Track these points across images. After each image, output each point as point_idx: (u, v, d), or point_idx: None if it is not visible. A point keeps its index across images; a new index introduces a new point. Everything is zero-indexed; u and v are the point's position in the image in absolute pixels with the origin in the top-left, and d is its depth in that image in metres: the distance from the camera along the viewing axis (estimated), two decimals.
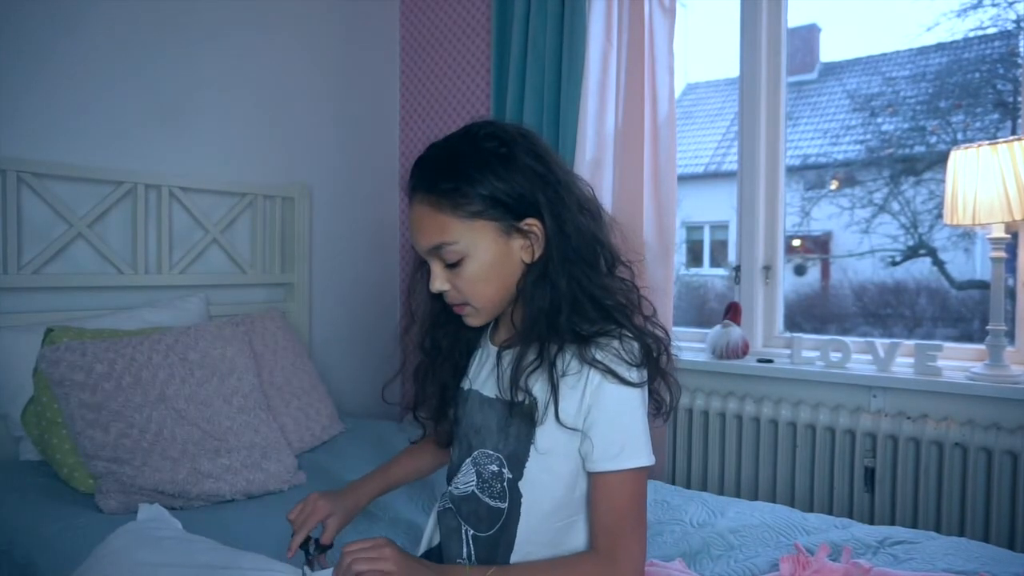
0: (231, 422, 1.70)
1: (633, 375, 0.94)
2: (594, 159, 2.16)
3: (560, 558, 0.97)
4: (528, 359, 0.96)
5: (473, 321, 1.02)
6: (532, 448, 0.97)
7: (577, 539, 1.00)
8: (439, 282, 0.98)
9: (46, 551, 1.35)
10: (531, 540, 0.98)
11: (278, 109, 2.47)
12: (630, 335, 0.96)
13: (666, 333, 1.01)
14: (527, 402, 0.96)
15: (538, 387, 0.96)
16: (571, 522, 0.99)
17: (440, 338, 1.09)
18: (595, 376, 0.94)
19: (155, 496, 1.53)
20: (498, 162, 0.95)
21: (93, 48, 2.00)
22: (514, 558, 0.98)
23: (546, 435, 0.96)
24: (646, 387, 0.97)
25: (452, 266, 0.97)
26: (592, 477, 0.95)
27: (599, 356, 0.94)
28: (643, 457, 0.94)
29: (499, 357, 1.02)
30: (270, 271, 2.43)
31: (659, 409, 1.04)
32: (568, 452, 0.96)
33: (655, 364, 0.98)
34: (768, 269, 2.20)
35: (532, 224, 0.96)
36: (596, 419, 0.94)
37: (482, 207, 0.94)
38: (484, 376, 1.06)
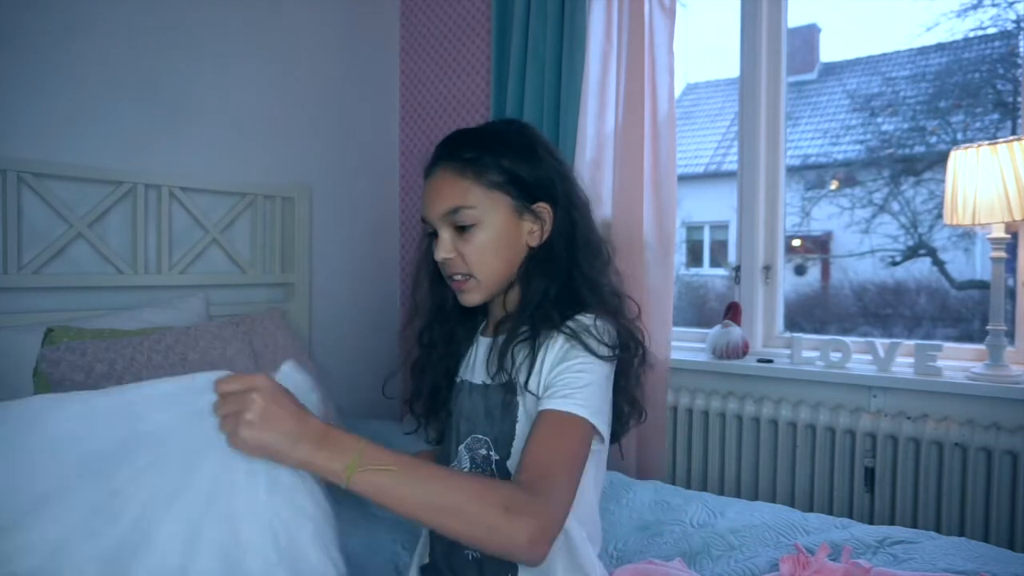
0: None
1: (602, 350, 0.95)
2: (594, 159, 2.16)
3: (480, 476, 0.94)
4: (518, 333, 0.99)
5: (472, 297, 1.02)
6: (516, 426, 0.98)
7: (575, 524, 0.97)
8: (445, 250, 0.99)
9: None
10: None
11: (278, 109, 2.47)
12: (611, 319, 0.99)
13: (643, 338, 1.04)
14: (513, 376, 0.97)
15: (523, 364, 0.98)
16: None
17: (436, 336, 1.11)
18: (562, 340, 0.96)
19: None
20: (520, 145, 1.03)
21: (93, 48, 2.00)
22: None
23: (525, 409, 0.97)
24: (613, 367, 0.97)
25: (463, 232, 0.98)
26: (538, 416, 0.91)
27: (570, 324, 0.97)
28: (592, 416, 0.90)
29: (493, 343, 1.04)
30: (270, 271, 2.43)
31: (633, 407, 1.07)
32: None
33: (629, 360, 1.02)
34: (768, 269, 2.20)
35: (544, 208, 1.02)
36: (556, 372, 0.94)
37: (502, 179, 0.99)
38: (475, 366, 1.08)
